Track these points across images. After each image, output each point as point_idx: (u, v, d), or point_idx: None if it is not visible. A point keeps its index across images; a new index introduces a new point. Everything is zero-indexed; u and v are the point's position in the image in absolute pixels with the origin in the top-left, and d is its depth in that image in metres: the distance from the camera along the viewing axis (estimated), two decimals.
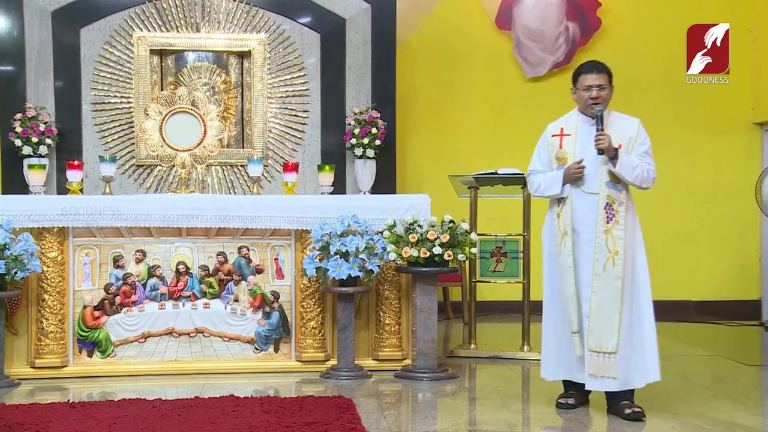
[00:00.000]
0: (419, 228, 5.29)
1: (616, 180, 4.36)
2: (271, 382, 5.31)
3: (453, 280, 7.68)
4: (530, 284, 6.20)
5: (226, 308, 5.56)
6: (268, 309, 5.59)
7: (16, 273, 5.07)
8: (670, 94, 8.52)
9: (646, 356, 4.36)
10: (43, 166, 6.50)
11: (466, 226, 5.38)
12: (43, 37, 7.28)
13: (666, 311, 7.97)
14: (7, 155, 7.23)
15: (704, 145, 8.64)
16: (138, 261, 5.51)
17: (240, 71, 7.62)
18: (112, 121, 7.38)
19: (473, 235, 5.42)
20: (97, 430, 4.03)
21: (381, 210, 5.57)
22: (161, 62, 7.53)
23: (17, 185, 7.07)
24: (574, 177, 4.39)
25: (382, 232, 5.40)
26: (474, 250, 5.42)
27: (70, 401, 4.68)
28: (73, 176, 5.88)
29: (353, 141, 7.38)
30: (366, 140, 7.34)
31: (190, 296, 5.54)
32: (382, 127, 7.42)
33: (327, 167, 6.32)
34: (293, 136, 7.56)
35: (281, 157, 7.44)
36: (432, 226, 5.31)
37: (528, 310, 6.18)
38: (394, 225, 5.34)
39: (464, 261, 5.46)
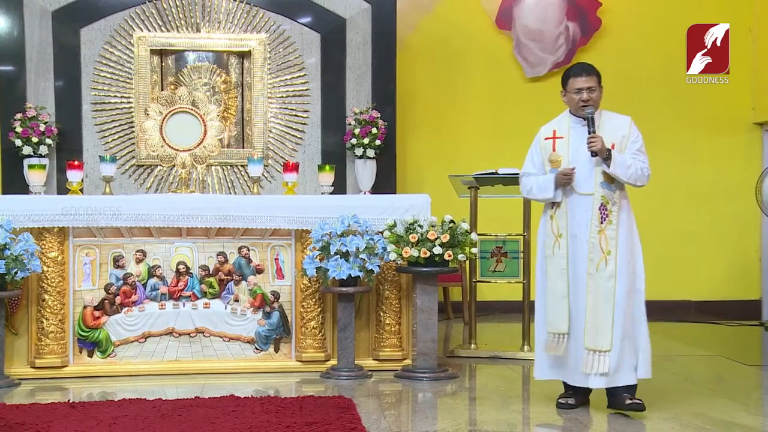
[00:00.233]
0: (419, 228, 5.29)
1: (610, 180, 4.38)
2: (271, 382, 5.31)
3: (453, 280, 7.69)
4: (530, 284, 6.19)
5: (226, 308, 5.56)
6: (268, 309, 5.59)
7: (16, 273, 5.08)
8: (670, 94, 8.52)
9: (638, 354, 4.39)
10: (43, 166, 6.51)
11: (466, 226, 5.38)
12: (43, 37, 7.28)
13: (666, 311, 8.00)
14: (7, 155, 7.24)
15: (704, 145, 8.64)
16: (138, 261, 5.51)
17: (240, 71, 7.62)
18: (113, 121, 7.38)
19: (473, 235, 5.42)
20: (98, 430, 4.03)
21: (381, 210, 5.57)
22: (161, 62, 7.53)
23: (17, 185, 7.07)
24: (564, 183, 4.42)
25: (382, 232, 5.40)
26: (474, 250, 5.42)
27: (71, 401, 4.68)
28: (73, 176, 5.88)
29: (353, 141, 7.38)
30: (366, 140, 7.35)
31: (190, 296, 5.54)
32: (383, 127, 7.42)
33: (327, 167, 6.32)
34: (293, 136, 7.56)
35: (281, 157, 7.44)
36: (432, 226, 5.31)
37: (528, 310, 6.18)
38: (395, 225, 5.34)
39: (464, 261, 5.46)
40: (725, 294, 8.56)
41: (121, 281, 5.48)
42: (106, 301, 5.46)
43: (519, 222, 6.24)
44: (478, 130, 8.54)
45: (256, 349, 5.57)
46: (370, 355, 5.61)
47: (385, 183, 7.52)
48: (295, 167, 6.14)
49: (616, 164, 4.32)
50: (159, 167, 7.27)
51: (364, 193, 7.28)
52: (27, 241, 5.10)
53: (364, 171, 7.44)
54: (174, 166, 6.23)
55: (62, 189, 6.89)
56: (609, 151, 4.33)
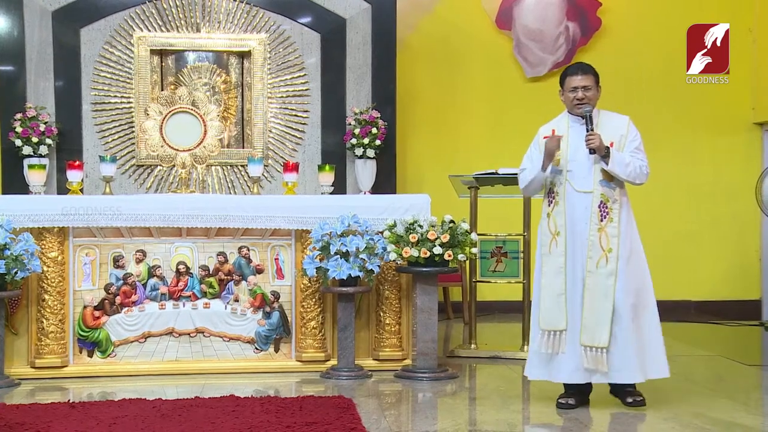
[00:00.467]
0: (419, 228, 5.29)
1: (609, 178, 4.40)
2: (271, 382, 5.31)
3: (453, 280, 7.68)
4: (530, 284, 6.18)
5: (226, 308, 5.56)
6: (268, 309, 5.59)
7: (16, 273, 5.08)
8: (670, 94, 8.52)
9: (647, 352, 4.40)
10: (43, 166, 6.51)
11: (466, 226, 5.38)
12: (43, 37, 7.28)
13: (666, 311, 7.90)
14: (7, 155, 7.23)
15: (704, 145, 8.64)
16: (138, 261, 5.51)
17: (240, 71, 7.62)
18: (113, 121, 7.38)
19: (473, 235, 5.42)
20: (98, 430, 4.03)
21: (381, 210, 5.57)
22: (161, 62, 7.53)
23: (17, 185, 7.07)
24: (551, 145, 4.42)
25: (382, 232, 5.40)
26: (474, 250, 5.42)
27: (71, 401, 4.68)
28: (73, 176, 5.88)
29: (353, 141, 7.38)
30: (366, 140, 7.34)
31: (190, 296, 5.54)
32: (383, 127, 7.42)
33: (327, 167, 6.32)
34: (293, 136, 7.56)
35: (281, 157, 7.44)
36: (432, 226, 5.31)
37: (528, 310, 6.17)
38: (395, 225, 5.34)
39: (464, 261, 5.46)
40: (725, 294, 8.56)
41: (121, 281, 5.48)
42: (106, 301, 5.46)
43: (519, 222, 6.24)
44: (478, 130, 8.54)
45: (256, 349, 5.57)
46: (370, 355, 5.61)
47: (385, 183, 7.52)
48: (295, 167, 6.14)
49: (614, 162, 4.35)
50: (159, 167, 7.27)
51: (364, 193, 7.28)
52: (27, 241, 5.10)
53: (364, 171, 7.44)
54: (174, 166, 6.23)
55: (62, 189, 6.89)
56: (607, 148, 4.35)
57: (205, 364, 5.50)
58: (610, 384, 4.54)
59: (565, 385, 4.57)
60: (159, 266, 5.52)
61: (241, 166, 7.38)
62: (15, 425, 4.06)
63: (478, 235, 5.81)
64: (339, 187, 7.03)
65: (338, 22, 7.56)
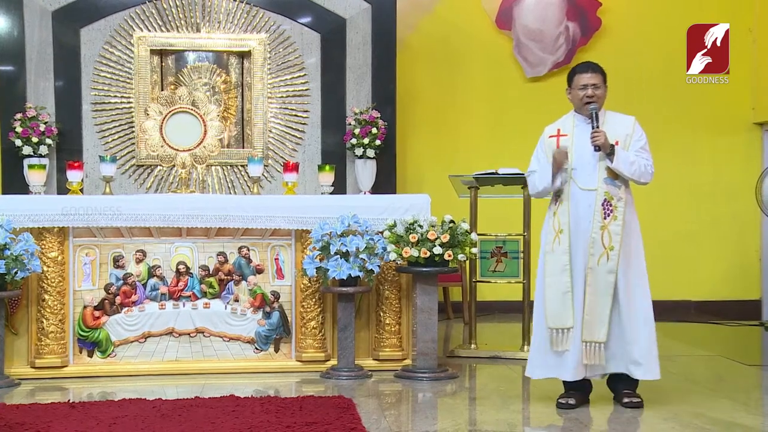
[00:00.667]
0: (419, 228, 5.29)
1: (614, 176, 4.42)
2: (271, 382, 5.31)
3: (453, 280, 7.68)
4: (530, 284, 6.19)
5: (226, 308, 5.56)
6: (268, 309, 5.59)
7: (16, 273, 5.08)
8: (670, 94, 8.52)
9: (642, 353, 4.41)
10: (43, 166, 6.51)
11: (466, 226, 5.38)
12: (43, 37, 7.28)
13: (666, 311, 7.98)
14: (7, 155, 7.23)
15: (704, 145, 8.64)
16: (138, 261, 5.51)
17: (240, 71, 7.62)
18: (113, 121, 7.38)
19: (473, 235, 5.42)
20: (98, 430, 4.03)
21: (381, 210, 5.57)
22: (161, 62, 7.53)
23: (17, 185, 7.07)
24: (559, 158, 4.45)
25: (382, 232, 5.40)
26: (474, 250, 5.42)
27: (71, 401, 4.68)
28: (73, 176, 5.88)
29: (353, 141, 7.38)
30: (366, 140, 7.34)
31: (190, 296, 5.54)
32: (383, 127, 7.42)
33: (327, 167, 6.32)
34: (293, 136, 7.56)
35: (281, 157, 7.44)
36: (432, 226, 5.31)
37: (528, 310, 6.17)
38: (395, 225, 5.34)
39: (464, 261, 5.46)
40: (725, 294, 8.56)
41: (121, 281, 5.48)
42: (106, 301, 5.46)
43: (519, 222, 6.24)
44: (478, 130, 8.54)
45: (256, 349, 5.57)
46: (370, 355, 5.61)
47: (385, 183, 7.52)
48: (295, 167, 6.14)
49: (619, 159, 4.38)
50: (159, 167, 7.27)
51: (364, 193, 7.28)
52: (27, 241, 5.10)
53: (364, 171, 7.44)
54: (174, 166, 6.23)
55: (62, 189, 6.89)
56: (612, 146, 4.37)
57: (205, 364, 5.50)
58: (608, 378, 4.56)
59: (565, 385, 4.57)
60: (159, 266, 5.52)
61: (241, 166, 7.38)
62: (15, 425, 4.06)
63: (478, 235, 5.81)
64: (339, 187, 7.03)
65: (338, 22, 7.56)
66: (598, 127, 4.40)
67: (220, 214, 5.48)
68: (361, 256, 5.28)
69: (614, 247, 4.38)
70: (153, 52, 7.43)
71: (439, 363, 5.50)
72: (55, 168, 7.21)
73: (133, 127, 7.36)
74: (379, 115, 7.44)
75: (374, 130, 7.36)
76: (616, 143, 4.41)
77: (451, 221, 5.35)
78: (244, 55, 7.58)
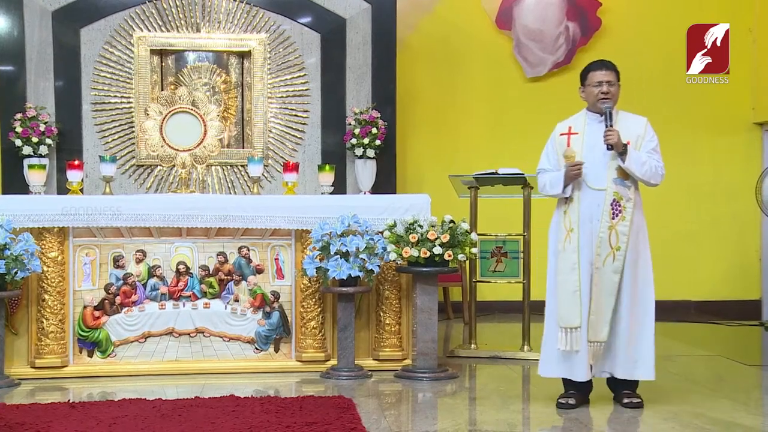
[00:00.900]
0: (419, 228, 5.29)
1: (624, 176, 4.42)
2: (271, 382, 5.31)
3: (453, 280, 7.68)
4: (530, 284, 6.20)
5: (226, 308, 5.56)
6: (268, 309, 5.59)
7: (16, 273, 5.08)
8: (670, 94, 8.51)
9: (640, 353, 4.43)
10: (43, 166, 6.50)
11: (466, 226, 5.38)
12: (43, 37, 7.28)
13: (666, 311, 7.94)
14: (7, 155, 7.23)
15: (704, 145, 8.64)
16: (138, 261, 5.51)
17: (240, 71, 7.62)
18: (113, 121, 7.38)
19: (473, 235, 5.42)
20: (98, 430, 4.03)
21: (381, 210, 5.57)
22: (161, 62, 7.53)
23: (17, 185, 7.07)
24: (572, 175, 4.45)
25: (382, 232, 5.40)
26: (474, 250, 5.42)
27: (71, 401, 4.68)
28: (73, 176, 5.88)
29: (353, 141, 7.38)
30: (366, 140, 7.34)
31: (190, 296, 5.54)
32: (383, 127, 7.42)
33: (327, 167, 6.32)
34: (293, 136, 7.56)
35: (281, 157, 7.44)
36: (432, 226, 5.31)
37: (528, 310, 6.18)
38: (395, 225, 5.34)
39: (464, 261, 5.46)
40: (725, 294, 8.56)
41: (121, 281, 5.48)
42: (106, 301, 5.46)
43: (519, 222, 6.24)
44: (478, 130, 8.54)
45: (256, 349, 5.57)
46: (370, 355, 5.61)
47: (385, 183, 7.52)
48: (295, 167, 6.14)
49: (631, 159, 4.37)
50: (159, 167, 7.27)
51: (364, 193, 7.27)
52: (27, 241, 5.10)
53: (364, 171, 7.44)
54: (174, 166, 6.23)
55: (62, 189, 6.89)
56: (625, 145, 4.37)
57: (205, 364, 5.50)
58: (608, 378, 4.57)
59: (565, 385, 4.57)
60: (159, 266, 5.52)
61: (241, 166, 7.38)
62: (15, 425, 4.06)
63: (478, 235, 5.81)
64: (339, 187, 7.03)
65: (338, 22, 7.56)
66: (611, 125, 4.39)
67: (220, 214, 5.48)
68: (361, 256, 5.28)
69: (621, 247, 4.38)
70: (153, 52, 7.43)
71: (439, 363, 5.50)
72: (55, 168, 7.21)
73: (133, 127, 7.36)
74: (379, 115, 7.43)
75: (374, 130, 7.36)
76: (628, 143, 4.41)
77: (451, 221, 5.35)
78: (244, 55, 7.58)
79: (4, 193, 7.17)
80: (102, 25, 7.36)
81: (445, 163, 8.00)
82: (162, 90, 7.34)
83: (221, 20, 7.46)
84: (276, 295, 5.60)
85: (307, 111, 7.57)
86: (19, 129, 7.06)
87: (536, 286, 5.83)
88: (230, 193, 7.38)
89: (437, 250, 5.21)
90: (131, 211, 5.41)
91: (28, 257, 5.11)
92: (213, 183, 7.41)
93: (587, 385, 4.56)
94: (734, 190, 8.53)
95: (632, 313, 4.42)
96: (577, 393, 4.53)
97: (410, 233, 5.27)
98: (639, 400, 4.49)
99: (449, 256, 5.27)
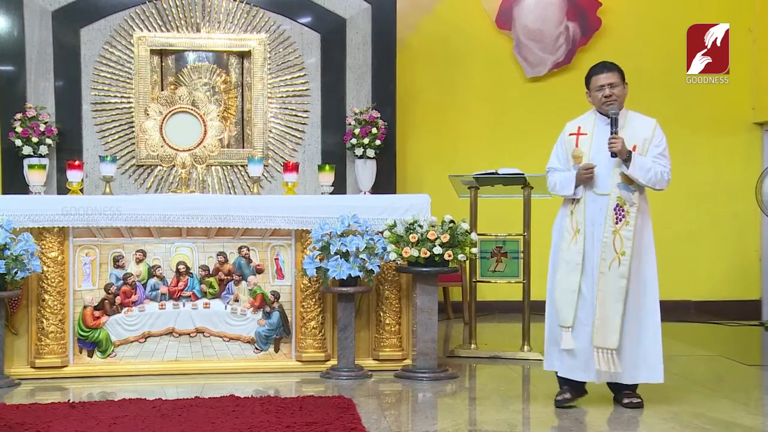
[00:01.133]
0: (419, 228, 5.29)
1: (628, 181, 4.41)
2: (271, 382, 5.31)
3: (453, 280, 7.68)
4: (530, 284, 6.20)
5: (226, 308, 5.56)
6: (268, 309, 5.59)
7: (16, 273, 5.08)
8: (670, 94, 8.51)
9: (645, 357, 4.42)
10: (43, 166, 6.50)
11: (466, 226, 5.38)
12: (43, 37, 7.28)
13: (666, 311, 7.88)
14: (7, 155, 7.23)
15: (704, 145, 8.64)
16: (138, 261, 5.51)
17: (240, 71, 7.62)
18: (113, 121, 7.38)
19: (473, 235, 5.42)
20: (98, 430, 4.03)
21: (381, 210, 5.57)
22: (161, 62, 7.53)
23: (17, 185, 7.07)
24: (584, 179, 4.44)
25: (382, 232, 5.40)
26: (474, 250, 5.42)
27: (71, 401, 4.68)
28: (73, 176, 5.88)
29: (353, 141, 7.38)
30: (366, 140, 7.34)
31: (190, 296, 5.54)
32: (383, 127, 7.42)
33: (327, 167, 6.32)
34: (293, 136, 7.56)
35: (281, 157, 7.44)
36: (432, 226, 5.31)
37: (528, 310, 6.18)
38: (395, 225, 5.34)
39: (464, 261, 5.46)
40: (725, 294, 8.56)
41: (121, 281, 5.48)
42: (106, 301, 5.46)
43: (519, 222, 6.24)
44: (478, 130, 8.54)
45: (256, 349, 5.57)
46: (370, 355, 5.61)
47: (385, 183, 7.52)
48: (295, 167, 6.14)
49: (635, 166, 4.36)
50: (159, 167, 7.27)
51: (364, 193, 7.27)
52: (27, 241, 5.10)
53: (364, 171, 7.44)
54: (174, 166, 6.23)
55: (62, 189, 6.89)
56: (629, 152, 4.35)
57: (205, 364, 5.50)
58: (611, 390, 4.57)
59: (560, 382, 4.58)
60: (159, 266, 5.52)
61: (241, 166, 7.38)
62: (15, 425, 4.06)
63: (478, 235, 5.81)
64: (339, 187, 7.03)
65: (338, 22, 7.56)
66: (616, 132, 4.37)
67: (220, 214, 5.48)
68: (361, 256, 5.28)
69: (626, 252, 4.37)
70: (153, 52, 7.43)
71: (439, 363, 5.50)
72: (55, 168, 7.21)
73: (133, 127, 7.36)
74: (379, 115, 7.43)
75: (374, 130, 7.36)
76: (634, 148, 4.39)
77: (451, 221, 5.35)
78: (244, 55, 7.58)
79: (4, 193, 7.17)
80: (102, 25, 7.36)
81: (445, 163, 8.00)
82: (162, 90, 7.34)
83: (221, 20, 7.46)
84: (276, 295, 5.60)
85: (307, 111, 7.57)
86: (19, 129, 7.06)
87: (536, 286, 5.83)
88: (230, 193, 7.38)
89: (437, 250, 5.21)
90: (131, 211, 5.41)
91: (28, 257, 5.11)
92: (213, 183, 7.41)
93: (580, 383, 4.56)
94: (734, 190, 8.53)
95: (637, 317, 4.42)
96: (570, 388, 4.53)
97: (410, 233, 5.27)
98: (639, 401, 4.49)
99: (449, 256, 5.27)
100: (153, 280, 5.51)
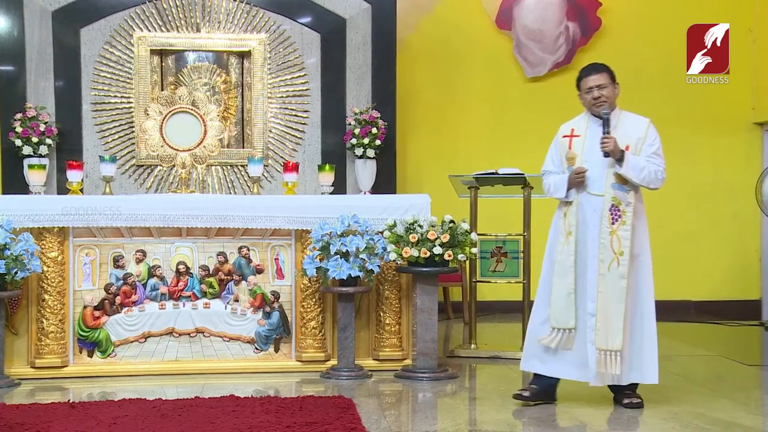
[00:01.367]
0: (419, 228, 5.29)
1: (623, 181, 4.40)
2: (271, 382, 5.31)
3: (453, 280, 7.68)
4: (530, 284, 6.19)
5: (226, 308, 5.56)
6: (268, 309, 5.59)
7: (16, 273, 5.08)
8: (670, 94, 8.52)
9: (640, 357, 4.42)
10: (43, 166, 6.50)
11: (466, 226, 5.38)
12: (43, 37, 7.28)
13: (666, 311, 7.94)
14: (7, 155, 7.24)
15: (704, 145, 8.64)
16: (138, 261, 5.51)
17: (240, 71, 7.62)
18: (113, 121, 7.38)
19: (473, 235, 5.42)
20: (98, 430, 4.03)
21: (381, 210, 5.57)
22: (161, 62, 7.53)
23: (17, 185, 7.07)
24: (576, 182, 4.44)
25: (382, 232, 5.40)
26: (474, 250, 5.42)
27: (71, 401, 4.68)
28: (73, 176, 5.88)
29: (353, 141, 7.38)
30: (366, 140, 7.34)
31: (190, 296, 5.54)
32: (383, 127, 7.42)
33: (327, 167, 6.32)
34: (293, 136, 7.56)
35: (281, 157, 7.44)
36: (432, 226, 5.31)
37: (528, 310, 6.17)
38: (395, 225, 5.34)
39: (464, 261, 5.46)
40: (725, 294, 8.56)
41: (121, 281, 5.48)
42: (106, 301, 5.46)
43: (519, 222, 6.24)
44: (478, 130, 8.54)
45: (256, 349, 5.57)
46: (370, 355, 5.61)
47: (385, 183, 7.52)
48: (295, 167, 6.14)
49: (628, 166, 4.35)
50: (159, 167, 7.27)
51: (364, 193, 7.28)
52: (27, 241, 5.10)
53: (364, 171, 7.44)
54: (174, 166, 6.23)
55: (62, 189, 6.89)
56: (622, 152, 4.35)
57: (205, 364, 5.50)
58: (612, 391, 4.57)
59: (533, 379, 4.61)
60: (159, 266, 5.52)
61: (241, 166, 7.38)
62: (15, 425, 4.06)
63: (478, 235, 5.81)
64: (339, 187, 7.03)
65: (338, 22, 7.56)
66: (608, 132, 4.37)
67: (220, 214, 5.48)
68: (361, 256, 5.28)
69: (624, 252, 4.37)
70: (153, 52, 7.43)
71: (439, 363, 5.50)
72: (55, 168, 7.21)
73: (133, 127, 7.37)
74: (379, 115, 7.44)
75: (374, 130, 7.36)
76: (627, 148, 4.38)
77: (451, 221, 5.35)
78: (244, 55, 7.58)
79: (4, 193, 7.17)
80: (102, 25, 7.36)
81: (445, 163, 8.00)
82: (162, 90, 7.34)
83: (221, 20, 7.46)
84: (276, 295, 5.60)
85: (307, 111, 7.58)
86: (19, 129, 7.06)
87: (536, 286, 5.82)
88: (230, 193, 7.38)
89: (437, 250, 5.21)
90: (131, 211, 5.41)
91: (28, 257, 5.11)
92: (213, 183, 7.41)
93: (552, 384, 4.57)
94: (734, 190, 8.53)
95: (633, 318, 4.42)
96: (539, 389, 4.56)
97: (410, 233, 5.27)
98: (639, 401, 4.49)
99: (449, 256, 5.27)
100: (153, 280, 5.51)
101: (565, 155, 4.53)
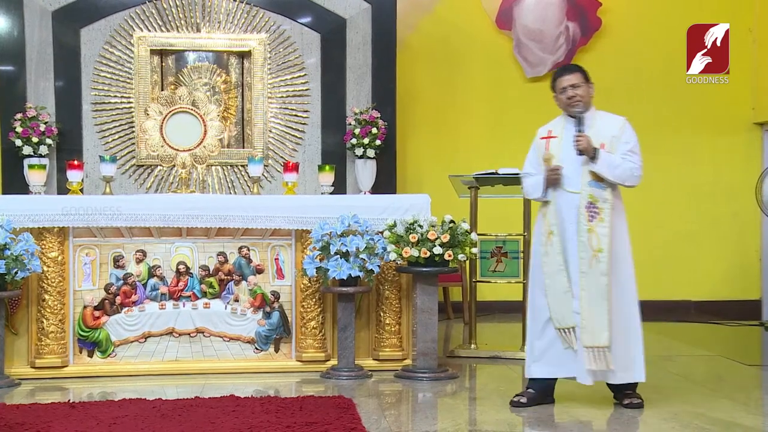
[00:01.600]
0: (419, 228, 5.29)
1: (598, 179, 4.43)
2: (272, 382, 5.31)
3: (453, 280, 7.68)
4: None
5: (226, 308, 5.56)
6: (268, 309, 5.59)
7: (16, 273, 5.08)
8: (670, 94, 8.52)
9: (626, 355, 4.42)
10: (43, 166, 6.50)
11: (466, 226, 5.38)
12: (43, 37, 7.28)
13: (666, 311, 8.01)
14: (8, 155, 7.24)
15: (704, 145, 8.64)
16: (138, 261, 5.51)
17: (240, 71, 7.62)
18: (113, 121, 7.38)
19: (473, 235, 5.42)
20: (98, 430, 4.03)
21: (381, 210, 5.57)
22: (161, 62, 7.54)
23: (17, 185, 7.07)
24: (552, 180, 4.50)
25: (382, 232, 5.40)
26: (474, 250, 5.42)
27: (71, 401, 4.68)
28: (73, 176, 5.88)
29: (353, 141, 7.38)
30: (366, 140, 7.35)
31: (190, 296, 5.54)
32: (383, 127, 7.42)
33: (327, 167, 6.32)
34: (293, 136, 7.56)
35: (281, 157, 7.45)
36: (432, 226, 5.31)
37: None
38: (395, 225, 5.34)
39: (464, 261, 5.46)
40: (725, 294, 8.56)
41: (121, 281, 5.48)
42: (106, 301, 5.46)
43: (519, 222, 6.24)
44: (478, 130, 8.54)
45: (256, 349, 5.57)
46: (370, 355, 5.61)
47: (385, 183, 7.52)
48: (295, 167, 6.14)
49: (603, 163, 4.39)
50: (159, 167, 7.27)
51: (364, 193, 7.28)
52: (27, 241, 5.10)
53: (364, 171, 7.44)
54: (174, 166, 6.23)
55: (62, 189, 6.89)
56: (595, 149, 4.37)
57: (205, 364, 5.50)
58: (611, 390, 4.57)
59: (529, 383, 4.60)
60: (159, 266, 5.52)
61: (241, 166, 7.38)
62: (15, 425, 4.06)
63: (478, 235, 5.81)
64: (339, 187, 7.03)
65: (338, 22, 7.56)
66: (581, 131, 4.41)
67: (220, 214, 5.48)
68: (361, 256, 5.28)
69: (603, 249, 4.37)
70: (153, 52, 7.43)
71: (439, 363, 5.50)
72: (55, 168, 7.21)
73: (133, 127, 7.37)
74: (379, 115, 7.44)
75: (374, 130, 7.36)
76: (602, 146, 4.41)
77: (451, 221, 5.35)
78: (244, 55, 7.59)
79: (4, 193, 7.17)
80: (102, 25, 7.37)
81: (445, 163, 8.00)
82: (162, 90, 7.34)
83: (221, 20, 7.46)
84: (276, 295, 5.60)
85: (307, 111, 7.58)
86: (19, 129, 7.06)
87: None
88: (230, 193, 7.38)
89: (437, 250, 5.22)
90: (131, 211, 5.41)
91: (28, 257, 5.11)
92: (213, 183, 7.41)
93: (551, 383, 4.56)
94: (734, 190, 8.53)
95: (618, 316, 4.41)
96: (536, 392, 4.55)
97: (410, 233, 5.27)
98: (639, 401, 4.49)
99: (449, 256, 5.27)
100: (153, 280, 5.51)
101: (542, 157, 4.56)
